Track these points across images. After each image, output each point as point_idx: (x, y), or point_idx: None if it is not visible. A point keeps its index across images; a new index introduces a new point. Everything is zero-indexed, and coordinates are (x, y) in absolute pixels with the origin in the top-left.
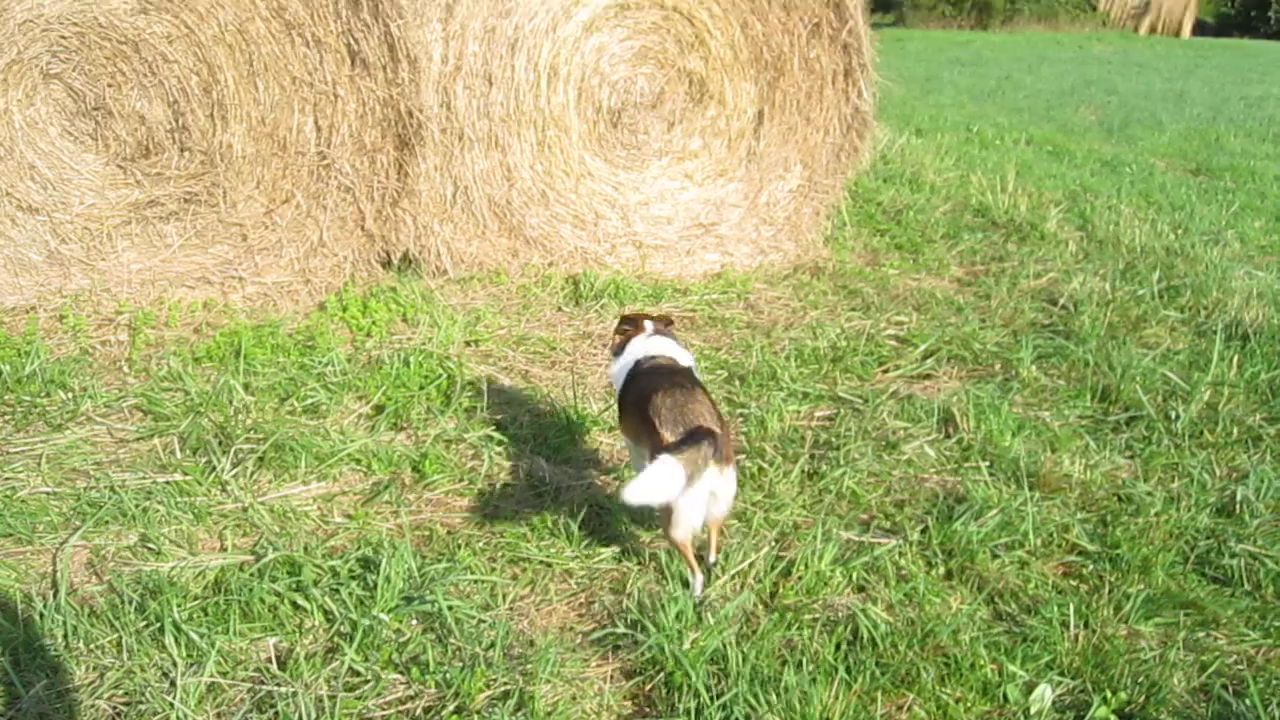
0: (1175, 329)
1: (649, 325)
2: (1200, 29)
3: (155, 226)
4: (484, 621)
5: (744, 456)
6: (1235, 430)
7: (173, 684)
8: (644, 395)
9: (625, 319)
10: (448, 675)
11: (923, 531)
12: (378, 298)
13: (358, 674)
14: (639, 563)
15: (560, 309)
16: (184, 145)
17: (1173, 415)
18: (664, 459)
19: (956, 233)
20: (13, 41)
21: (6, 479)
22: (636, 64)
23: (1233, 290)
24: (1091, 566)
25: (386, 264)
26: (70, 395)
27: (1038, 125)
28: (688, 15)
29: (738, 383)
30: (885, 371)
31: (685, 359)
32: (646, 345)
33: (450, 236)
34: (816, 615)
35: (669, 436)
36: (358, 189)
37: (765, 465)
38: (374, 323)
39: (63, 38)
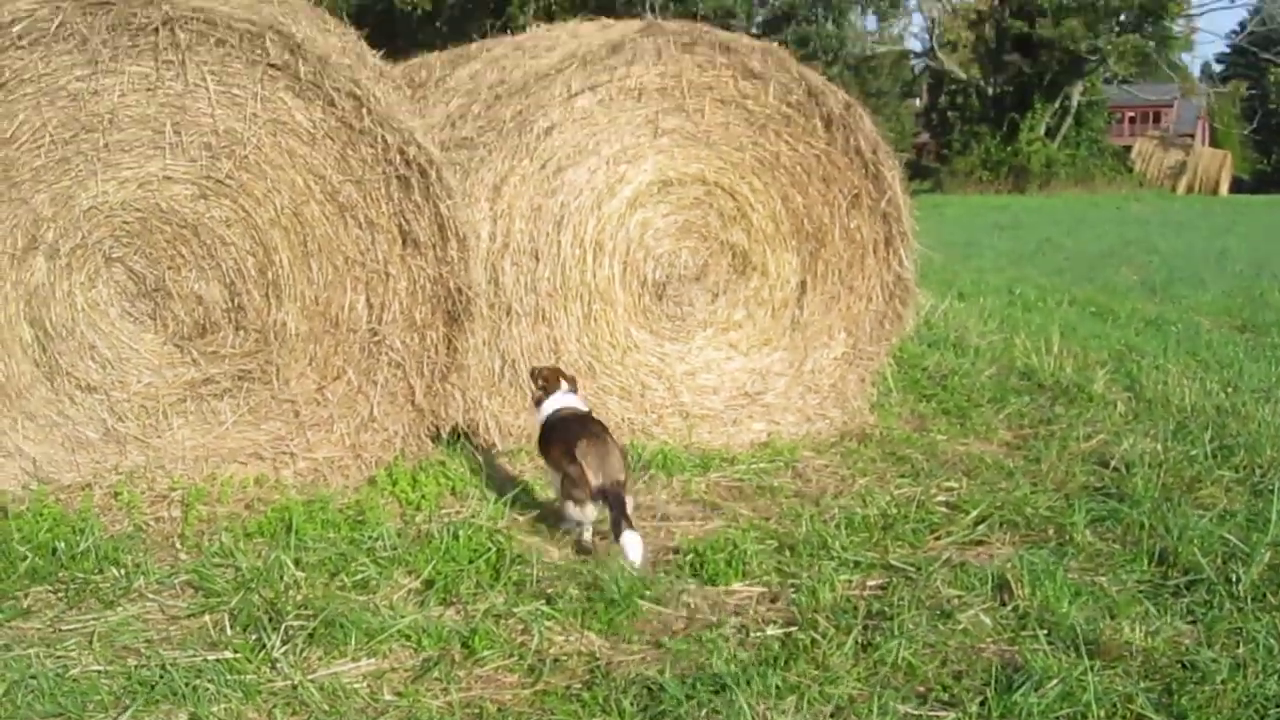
0: (1231, 489)
1: (563, 383)
2: (1237, 186)
3: (210, 404)
4: None
5: (795, 628)
6: None
7: None
8: (570, 439)
9: (538, 374)
10: None
11: (982, 703)
12: (427, 471)
13: None
14: None
15: None
16: (239, 324)
17: (1233, 578)
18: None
19: (1003, 396)
20: (78, 227)
21: (59, 657)
22: (680, 238)
23: None
24: None
25: (436, 438)
26: (123, 572)
27: (1080, 286)
28: (729, 190)
29: (788, 553)
30: (937, 539)
31: (584, 407)
32: (559, 400)
33: (499, 410)
34: None
35: (594, 481)
36: (408, 365)
37: (818, 637)
38: (423, 496)
39: (125, 223)
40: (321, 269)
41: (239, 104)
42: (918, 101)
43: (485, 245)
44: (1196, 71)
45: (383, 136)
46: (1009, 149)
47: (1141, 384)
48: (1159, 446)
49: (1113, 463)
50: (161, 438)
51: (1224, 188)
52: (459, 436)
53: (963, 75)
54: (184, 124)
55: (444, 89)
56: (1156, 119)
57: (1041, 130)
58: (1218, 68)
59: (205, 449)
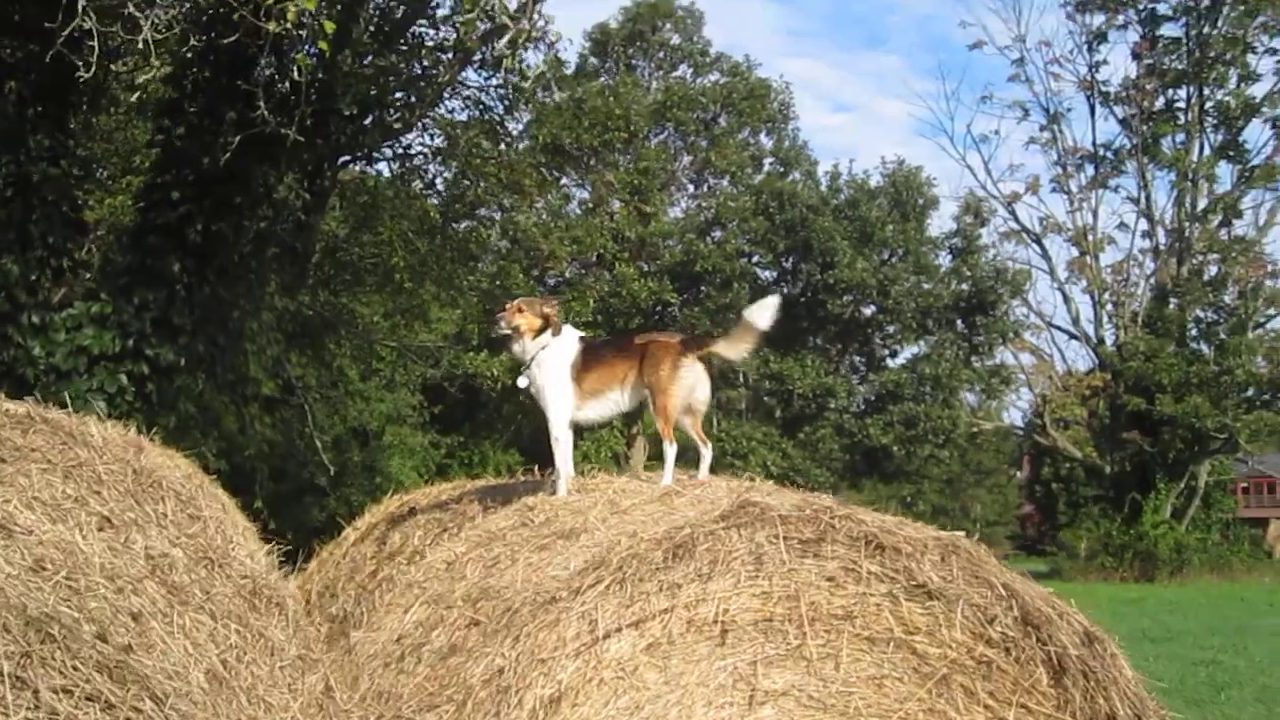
0: None
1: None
2: None
3: None
4: None
5: None
6: None
7: None
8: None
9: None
10: None
11: None
12: None
13: None
14: None
15: None
16: None
17: None
18: None
19: None
20: None
21: None
22: None
23: None
24: None
25: None
26: None
27: None
28: None
29: None
30: None
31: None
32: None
33: None
34: None
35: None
36: None
37: None
38: None
39: None
40: None
41: None
42: (1019, 473)
43: None
44: None
45: None
46: (1132, 532)
47: None
48: None
49: None
50: None
51: None
52: None
53: (1076, 454)
54: None
55: (408, 581)
56: (1271, 489)
57: (1167, 512)
58: None
59: None
